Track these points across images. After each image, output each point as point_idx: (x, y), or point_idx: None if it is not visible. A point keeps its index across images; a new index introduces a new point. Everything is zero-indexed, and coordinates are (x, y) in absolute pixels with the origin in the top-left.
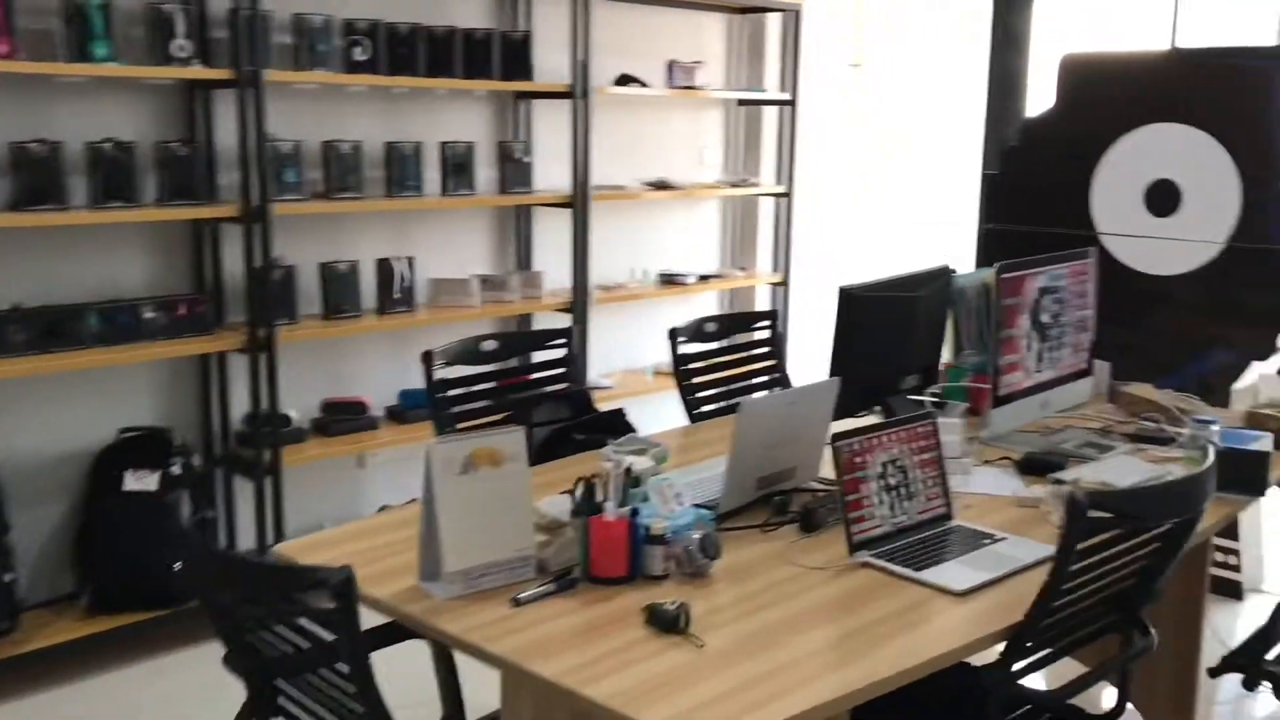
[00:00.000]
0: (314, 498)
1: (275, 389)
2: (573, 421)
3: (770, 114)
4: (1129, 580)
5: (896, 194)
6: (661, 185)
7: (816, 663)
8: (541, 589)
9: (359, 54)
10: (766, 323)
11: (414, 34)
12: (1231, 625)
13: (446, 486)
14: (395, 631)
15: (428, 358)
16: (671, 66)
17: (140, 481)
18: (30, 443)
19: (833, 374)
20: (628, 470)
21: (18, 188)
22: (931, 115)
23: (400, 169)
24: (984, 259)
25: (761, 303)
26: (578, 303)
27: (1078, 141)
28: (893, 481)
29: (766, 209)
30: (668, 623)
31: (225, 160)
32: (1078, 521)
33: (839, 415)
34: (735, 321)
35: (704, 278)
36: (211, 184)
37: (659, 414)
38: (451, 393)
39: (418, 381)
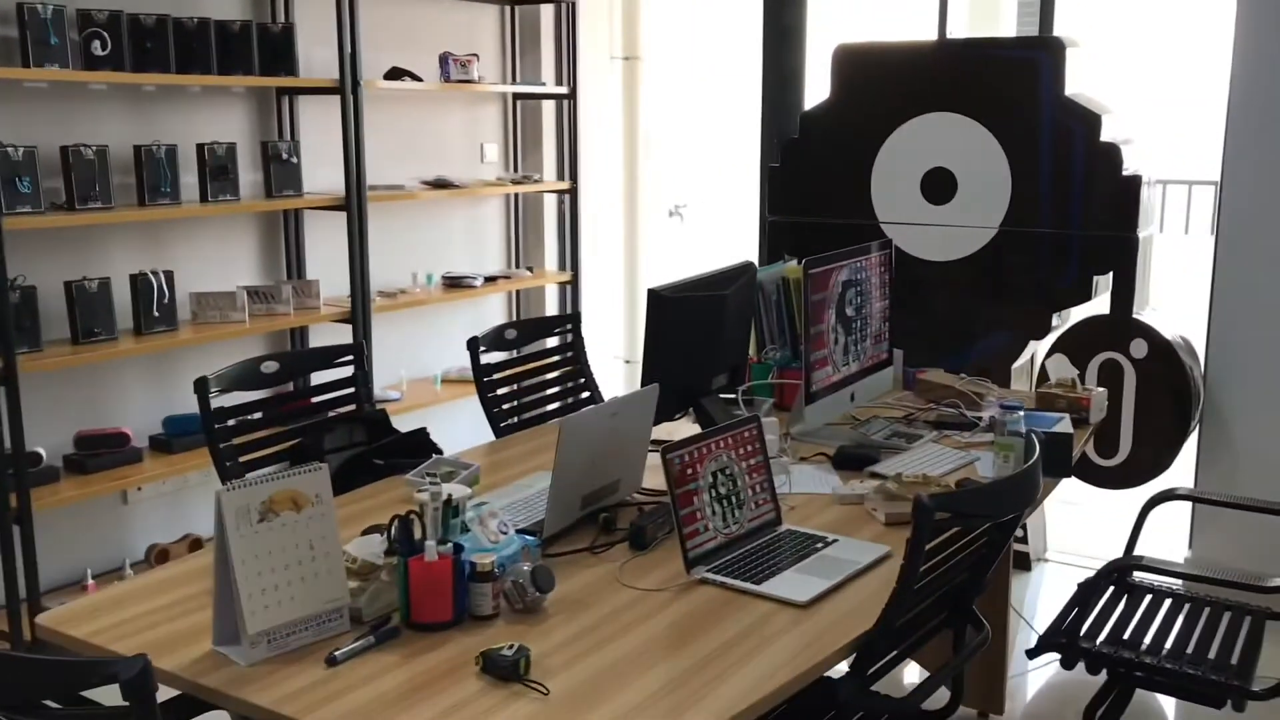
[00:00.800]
0: (73, 543)
1: (19, 425)
2: (373, 446)
3: (549, 108)
4: (962, 575)
5: (671, 187)
6: (441, 184)
7: (671, 701)
8: (359, 643)
9: (98, 49)
10: (568, 326)
11: (161, 26)
12: (1023, 595)
13: (242, 538)
14: (189, 706)
15: (202, 385)
16: (445, 59)
17: None
18: None
19: (645, 379)
20: (447, 501)
21: None
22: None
23: (153, 174)
24: (768, 251)
25: (550, 302)
26: (358, 312)
27: (856, 132)
28: (723, 490)
29: (550, 206)
30: (506, 670)
31: None
32: (927, 526)
33: (654, 422)
34: (535, 326)
35: (490, 279)
36: None
37: (453, 426)
38: (231, 422)
39: (183, 406)
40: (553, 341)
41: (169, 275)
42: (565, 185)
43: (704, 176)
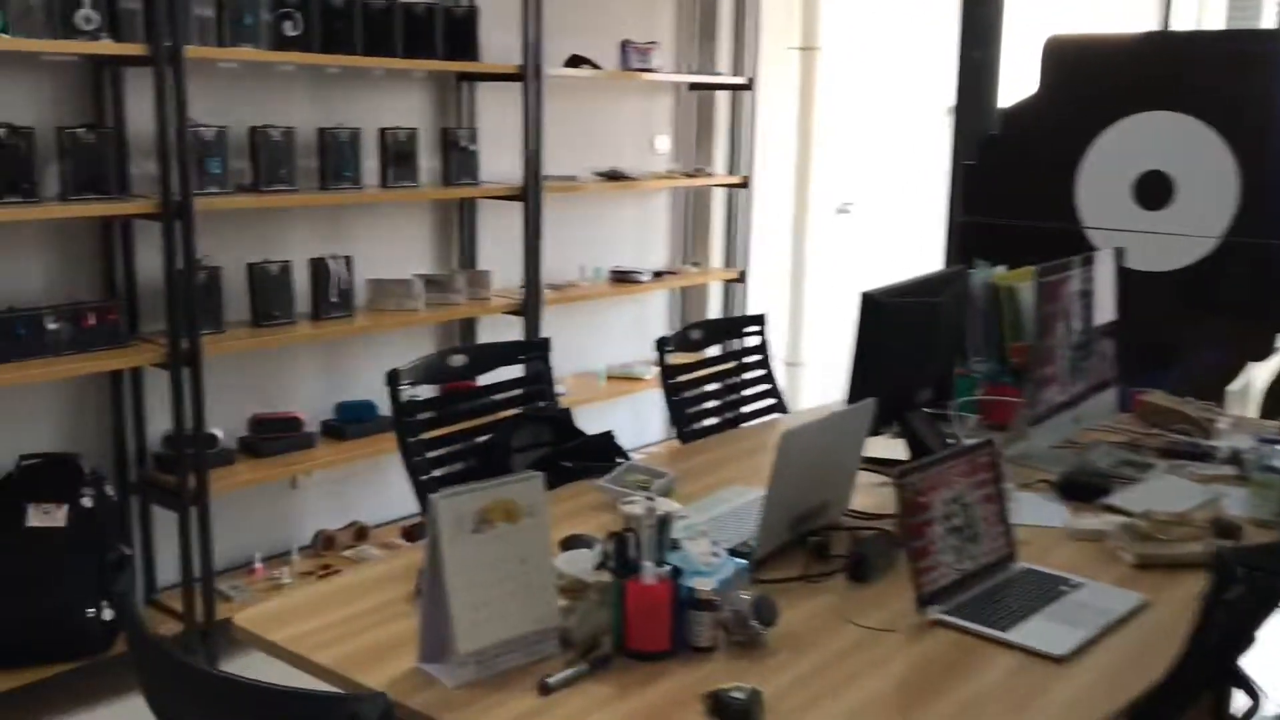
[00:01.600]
0: (242, 525)
1: (201, 406)
2: (561, 447)
3: (722, 99)
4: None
5: (840, 184)
6: (614, 176)
7: None
8: (572, 671)
9: (290, 29)
10: (756, 328)
11: (349, 7)
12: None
13: (457, 549)
14: None
15: (394, 378)
16: (625, 47)
17: (45, 516)
18: None
19: (854, 391)
20: (663, 520)
21: None
22: (885, 101)
23: (336, 158)
24: (955, 254)
25: (714, 300)
26: (529, 304)
27: (1063, 130)
28: (958, 522)
29: (719, 200)
30: (737, 716)
31: (139, 149)
32: (1228, 586)
33: None
34: (720, 328)
35: (657, 274)
36: (123, 176)
37: (614, 421)
38: (422, 415)
39: (355, 393)
40: (737, 343)
41: (348, 260)
42: (737, 179)
43: (874, 173)
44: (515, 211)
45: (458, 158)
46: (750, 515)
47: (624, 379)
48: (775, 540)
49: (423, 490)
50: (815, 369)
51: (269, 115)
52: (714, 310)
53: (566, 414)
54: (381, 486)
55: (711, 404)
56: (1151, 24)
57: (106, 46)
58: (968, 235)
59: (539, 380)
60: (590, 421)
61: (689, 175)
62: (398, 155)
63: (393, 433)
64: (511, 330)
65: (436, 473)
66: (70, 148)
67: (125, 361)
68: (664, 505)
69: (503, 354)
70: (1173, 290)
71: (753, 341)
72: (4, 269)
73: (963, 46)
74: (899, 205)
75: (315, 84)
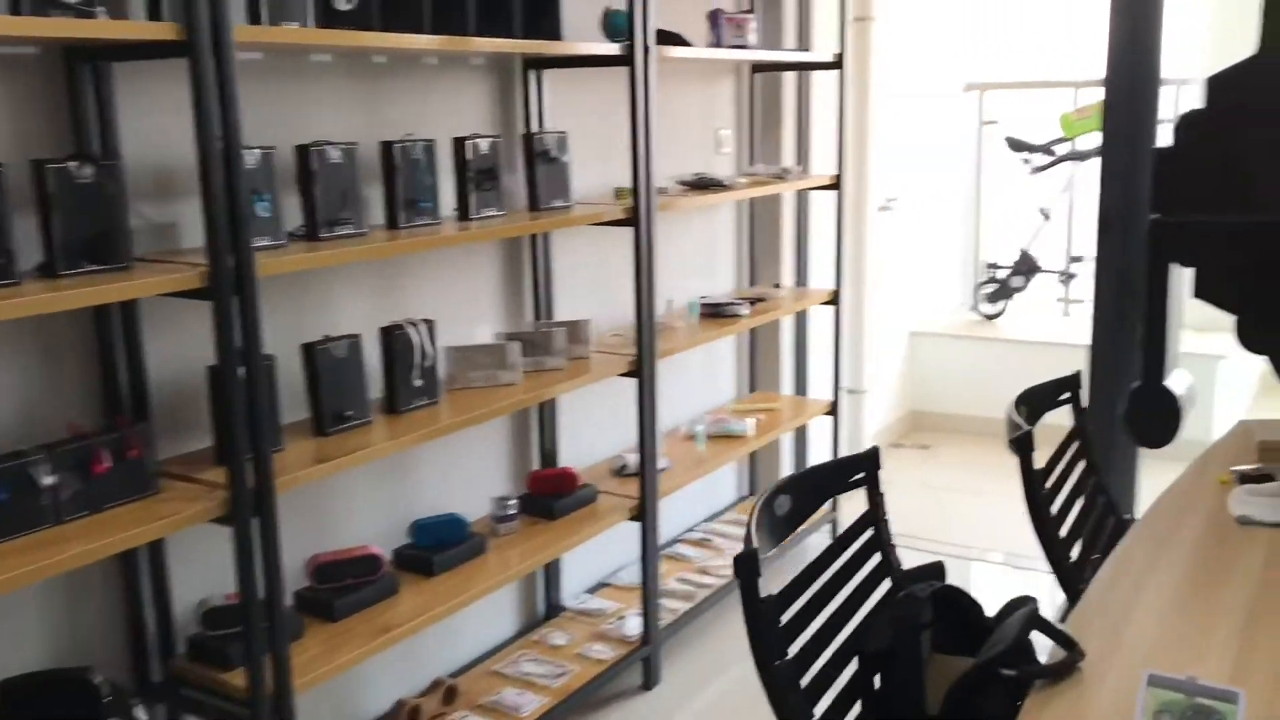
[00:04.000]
0: (306, 712)
1: (275, 567)
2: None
3: (788, 81)
4: None
5: (892, 177)
6: (703, 185)
7: None
8: None
9: (342, 2)
10: (1067, 394)
11: None
12: None
13: None
14: None
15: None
16: (716, 19)
17: None
18: None
19: None
20: None
21: None
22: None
23: (410, 183)
24: (1152, 263)
25: (785, 331)
26: (644, 361)
27: None
28: None
29: (788, 205)
30: None
31: (146, 186)
32: None
33: None
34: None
35: (752, 302)
36: (126, 231)
37: (703, 494)
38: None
39: (427, 500)
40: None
41: (430, 327)
42: (828, 179)
43: (915, 165)
44: (589, 238)
45: (547, 172)
46: None
47: (724, 438)
48: None
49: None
50: (877, 397)
51: (303, 125)
52: (786, 343)
53: (939, 565)
54: (452, 623)
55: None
56: None
57: (107, 28)
58: (1171, 237)
59: (876, 510)
60: (701, 501)
61: (777, 178)
62: (479, 174)
63: (486, 556)
64: (617, 396)
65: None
66: (57, 193)
67: (169, 522)
68: None
69: (827, 482)
70: None
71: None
72: None
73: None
74: (938, 200)
75: (357, 77)
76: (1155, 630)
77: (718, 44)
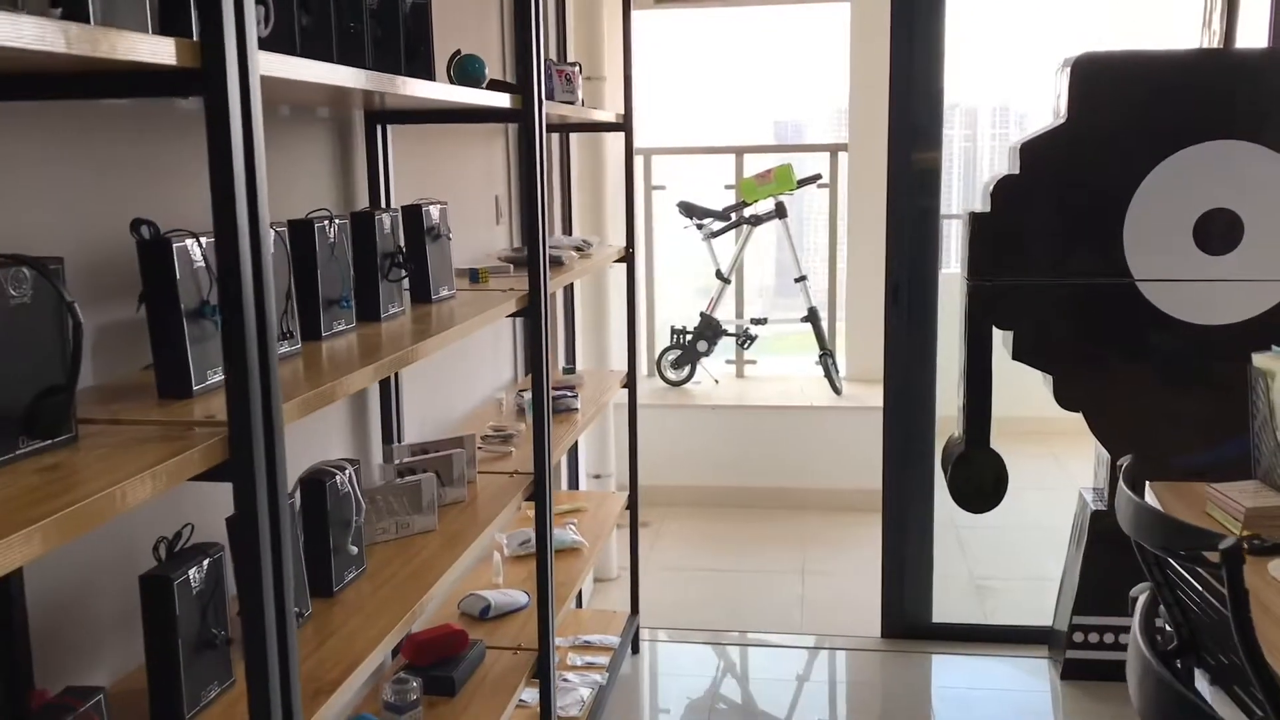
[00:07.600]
0: None
1: None
2: None
3: (553, 140)
4: None
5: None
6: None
7: None
8: None
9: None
10: None
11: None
12: None
13: None
14: None
15: None
16: (548, 70)
17: None
18: None
19: None
20: None
21: None
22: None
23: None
24: (970, 323)
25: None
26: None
27: (1103, 166)
28: None
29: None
30: None
31: None
32: None
33: None
34: None
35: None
36: None
37: None
38: None
39: None
40: None
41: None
42: (619, 252)
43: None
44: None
45: (435, 253)
46: None
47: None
48: None
49: None
50: (621, 478)
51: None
52: None
53: None
54: None
55: None
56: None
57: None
58: (990, 300)
59: None
60: None
61: (579, 249)
62: (385, 258)
63: None
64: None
65: None
66: None
67: None
68: None
69: None
70: (1243, 344)
71: None
72: None
73: (894, 62)
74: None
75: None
76: None
77: (550, 98)
